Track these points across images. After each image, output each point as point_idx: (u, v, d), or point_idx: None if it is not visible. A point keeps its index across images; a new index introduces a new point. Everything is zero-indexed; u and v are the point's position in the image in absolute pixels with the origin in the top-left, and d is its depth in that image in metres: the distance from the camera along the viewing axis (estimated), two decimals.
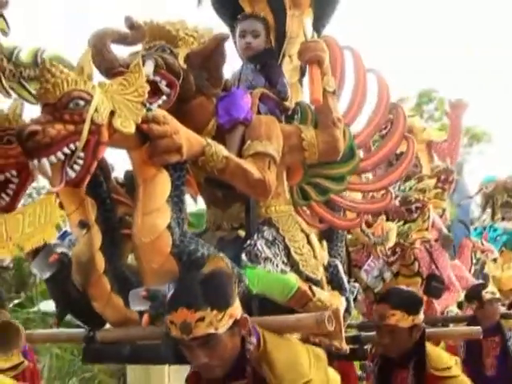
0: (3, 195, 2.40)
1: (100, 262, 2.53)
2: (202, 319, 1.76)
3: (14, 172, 2.38)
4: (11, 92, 2.34)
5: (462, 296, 5.10)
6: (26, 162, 2.42)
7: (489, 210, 7.29)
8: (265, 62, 3.14)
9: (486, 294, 4.18)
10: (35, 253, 2.49)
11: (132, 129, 2.25)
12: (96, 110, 2.15)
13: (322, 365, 1.98)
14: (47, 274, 2.50)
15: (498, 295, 4.35)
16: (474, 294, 4.09)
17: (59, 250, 2.51)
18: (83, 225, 2.55)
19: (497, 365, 4.28)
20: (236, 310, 1.85)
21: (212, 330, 1.77)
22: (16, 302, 10.24)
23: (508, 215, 7.02)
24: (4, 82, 2.23)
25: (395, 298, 2.78)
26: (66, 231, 2.74)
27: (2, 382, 1.52)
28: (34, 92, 2.50)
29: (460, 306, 5.41)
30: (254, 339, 1.91)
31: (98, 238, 2.53)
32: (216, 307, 1.79)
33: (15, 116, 2.46)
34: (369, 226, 4.17)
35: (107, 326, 2.66)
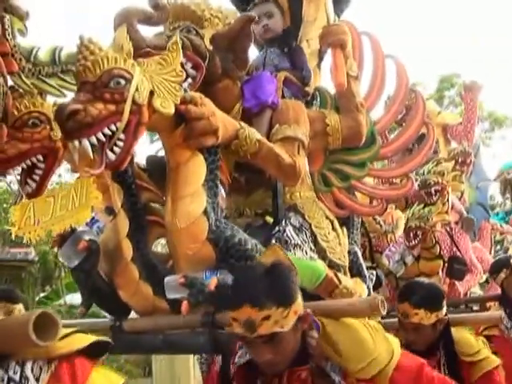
0: (29, 181, 2.34)
1: (127, 249, 2.44)
2: (267, 318, 1.68)
3: (39, 157, 2.32)
4: (33, 88, 2.30)
5: (483, 278, 5.15)
6: (51, 145, 2.35)
7: (508, 196, 7.36)
8: (288, 45, 3.11)
9: None
10: (62, 241, 2.39)
11: (171, 109, 2.18)
12: (137, 90, 2.07)
13: (382, 334, 1.95)
14: (75, 262, 2.39)
15: None
16: (502, 263, 4.07)
17: (87, 237, 2.41)
18: (110, 211, 2.47)
19: None
20: (299, 305, 1.78)
21: (278, 329, 1.70)
22: (42, 295, 10.11)
23: None
24: (24, 79, 2.20)
25: (416, 296, 2.74)
26: (94, 218, 2.64)
27: (108, 376, 1.51)
28: (55, 85, 2.45)
29: (482, 287, 5.48)
30: (315, 333, 1.86)
31: (124, 224, 2.44)
32: (282, 304, 1.69)
33: (40, 99, 2.38)
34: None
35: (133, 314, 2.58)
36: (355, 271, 3.05)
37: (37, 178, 2.31)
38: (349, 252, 3.07)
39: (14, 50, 2.13)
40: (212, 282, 2.18)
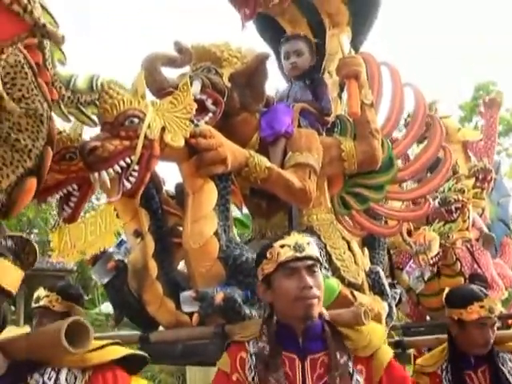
0: (65, 207, 2.66)
1: (153, 268, 2.75)
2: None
3: (75, 186, 2.65)
4: (70, 117, 2.57)
5: (505, 294, 5.14)
6: (86, 176, 2.69)
7: None
8: (311, 79, 3.37)
9: None
10: (95, 260, 2.76)
11: (181, 143, 2.50)
12: (149, 127, 2.40)
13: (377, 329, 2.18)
14: (105, 280, 2.75)
15: None
16: None
17: (116, 257, 2.76)
18: (137, 234, 2.80)
19: None
20: None
21: None
22: None
23: None
24: (63, 108, 2.45)
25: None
26: (122, 240, 2.99)
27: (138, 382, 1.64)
28: (91, 116, 2.77)
29: (504, 304, 5.45)
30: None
31: (151, 246, 2.77)
32: None
33: (75, 135, 2.74)
34: (410, 234, 4.31)
35: (160, 328, 2.89)
36: (377, 290, 3.23)
37: (72, 204, 2.60)
38: (371, 271, 3.27)
39: (54, 78, 2.26)
40: (219, 297, 2.46)
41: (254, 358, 2.02)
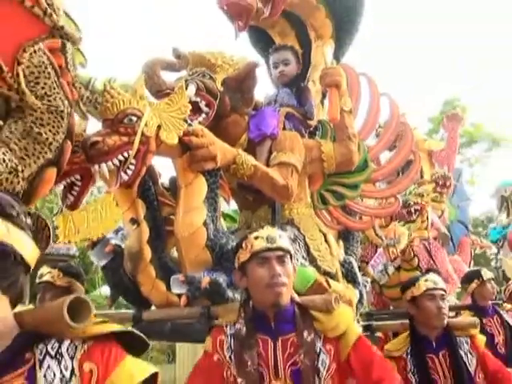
0: (69, 195, 2.68)
1: (147, 253, 2.77)
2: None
3: (77, 176, 2.67)
4: (88, 115, 2.60)
5: (459, 287, 5.25)
6: (88, 168, 2.72)
7: (505, 211, 7.41)
8: (297, 86, 3.40)
9: (486, 273, 4.30)
10: (94, 244, 2.78)
11: (175, 140, 2.52)
12: (146, 125, 2.42)
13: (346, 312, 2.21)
14: (103, 262, 2.77)
15: (492, 276, 4.44)
16: (474, 275, 4.23)
17: (113, 242, 2.79)
18: (134, 221, 2.82)
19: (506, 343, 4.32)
20: None
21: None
22: None
23: None
24: (82, 106, 2.48)
25: None
26: (119, 227, 3.01)
27: (141, 364, 1.61)
28: None
29: (459, 297, 5.57)
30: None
31: (146, 232, 2.78)
32: None
33: (79, 130, 2.75)
34: (382, 227, 4.38)
35: (152, 307, 2.92)
36: (350, 278, 3.26)
37: (75, 193, 2.62)
38: (345, 261, 3.30)
39: (75, 79, 2.27)
40: (205, 281, 2.49)
41: (231, 339, 2.05)
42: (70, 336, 1.51)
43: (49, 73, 1.99)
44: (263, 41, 3.62)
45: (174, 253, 2.97)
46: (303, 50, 3.51)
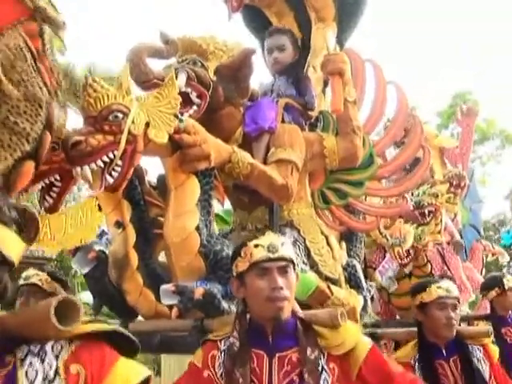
0: (47, 197, 2.58)
1: (134, 258, 2.70)
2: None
3: (57, 176, 2.57)
4: (67, 104, 2.49)
5: (473, 297, 5.20)
6: (68, 167, 2.61)
7: None
8: (295, 74, 3.29)
9: (508, 282, 4.23)
10: (76, 250, 2.68)
11: (165, 139, 2.41)
12: (133, 122, 2.31)
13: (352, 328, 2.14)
14: (86, 269, 2.69)
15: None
16: (495, 282, 4.15)
17: (97, 247, 2.70)
18: (119, 225, 2.73)
19: None
20: None
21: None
22: None
23: None
24: (60, 94, 2.37)
25: None
26: (103, 231, 2.92)
27: (135, 367, 1.58)
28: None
29: (471, 306, 5.52)
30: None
31: (132, 236, 2.71)
32: None
33: (59, 125, 2.65)
34: (386, 228, 4.29)
35: (139, 318, 2.84)
36: (353, 283, 3.21)
37: (54, 195, 2.53)
38: (348, 265, 3.24)
39: (53, 65, 2.13)
40: (198, 291, 2.41)
41: (223, 354, 2.00)
42: (56, 339, 1.48)
43: (25, 56, 1.91)
44: (259, 21, 3.51)
45: (163, 257, 2.88)
46: (303, 33, 3.38)
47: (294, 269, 2.06)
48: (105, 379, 1.46)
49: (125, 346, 1.61)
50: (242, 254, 2.04)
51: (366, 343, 2.06)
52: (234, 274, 2.08)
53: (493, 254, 6.71)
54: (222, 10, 3.26)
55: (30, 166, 1.94)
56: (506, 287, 4.11)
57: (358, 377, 1.98)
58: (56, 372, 1.45)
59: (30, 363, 1.45)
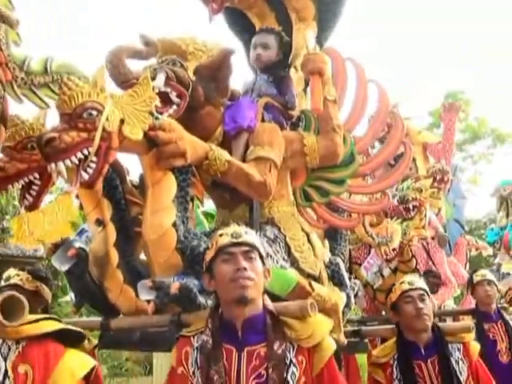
0: (27, 195, 2.64)
1: (114, 256, 2.73)
2: None
3: (36, 175, 2.62)
4: (23, 98, 2.51)
5: (458, 291, 5.21)
6: (46, 165, 2.65)
7: (504, 211, 7.36)
8: (276, 73, 3.32)
9: (476, 277, 4.26)
10: (55, 248, 2.72)
11: (140, 135, 2.45)
12: (107, 119, 2.35)
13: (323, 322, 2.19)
14: (66, 267, 2.71)
15: (488, 277, 4.34)
16: (468, 280, 4.25)
17: (77, 245, 2.73)
18: (99, 223, 2.76)
19: (509, 350, 4.27)
20: None
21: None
22: None
23: None
24: (16, 89, 2.38)
25: None
26: (83, 228, 2.96)
27: (81, 357, 1.58)
28: (44, 98, 2.69)
29: (456, 301, 5.55)
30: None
31: (112, 235, 2.74)
32: None
33: (38, 125, 2.70)
34: (372, 226, 4.30)
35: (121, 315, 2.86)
36: (336, 280, 3.22)
37: (33, 193, 2.58)
38: (331, 262, 3.26)
39: (8, 59, 2.25)
40: (174, 286, 2.44)
41: (196, 352, 2.02)
42: (2, 335, 1.55)
43: None
44: (240, 23, 3.54)
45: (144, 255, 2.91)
46: (285, 34, 3.41)
47: (261, 258, 2.09)
48: (52, 373, 1.53)
49: (73, 338, 1.64)
50: (210, 245, 2.12)
51: (331, 346, 2.09)
52: (205, 267, 2.12)
53: (476, 249, 6.76)
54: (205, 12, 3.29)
55: None
56: (475, 282, 4.17)
57: (317, 376, 2.01)
58: (5, 374, 1.50)
59: None
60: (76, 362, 1.62)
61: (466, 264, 6.05)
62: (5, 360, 1.54)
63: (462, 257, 6.00)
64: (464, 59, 31.40)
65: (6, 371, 1.50)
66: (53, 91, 2.75)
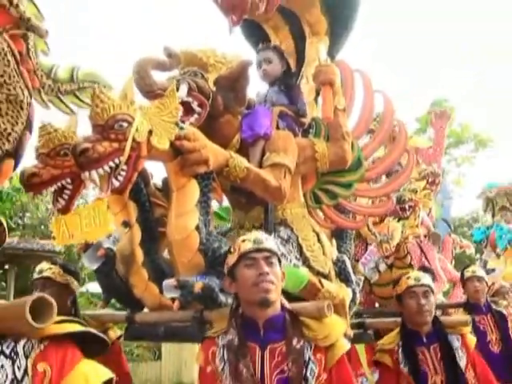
0: (60, 199, 2.68)
1: (139, 255, 2.80)
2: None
3: (68, 180, 2.66)
4: (50, 105, 2.54)
5: (446, 286, 5.33)
6: (78, 171, 2.69)
7: (489, 212, 7.51)
8: (286, 84, 3.37)
9: (467, 273, 4.35)
10: (86, 248, 2.78)
11: (166, 145, 2.50)
12: (137, 130, 2.40)
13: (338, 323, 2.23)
14: (95, 266, 2.78)
15: (478, 273, 4.43)
16: (460, 276, 4.34)
17: (106, 245, 2.78)
18: (126, 224, 2.82)
19: (500, 341, 4.37)
20: None
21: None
22: None
23: (506, 217, 7.24)
24: (43, 95, 2.41)
25: None
26: None
27: (96, 369, 1.56)
28: (69, 105, 2.72)
29: (445, 295, 5.67)
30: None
31: (137, 235, 2.80)
32: None
33: (70, 133, 2.74)
34: (375, 224, 4.37)
35: (145, 309, 2.93)
36: (343, 276, 3.28)
37: (66, 197, 2.62)
38: (338, 260, 3.31)
39: (36, 67, 2.26)
40: (197, 286, 2.49)
41: (222, 350, 2.06)
42: (29, 336, 1.50)
43: (8, 60, 1.96)
44: (257, 35, 3.58)
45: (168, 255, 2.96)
46: (297, 46, 3.46)
47: (280, 263, 2.13)
48: (66, 378, 1.48)
49: (96, 345, 1.64)
50: (232, 249, 2.14)
51: (344, 346, 2.12)
52: (226, 270, 2.15)
53: (460, 247, 6.88)
54: (221, 18, 3.32)
55: (10, 165, 2.00)
56: (465, 277, 4.25)
57: (328, 373, 2.04)
58: (25, 372, 1.47)
59: (2, 366, 1.48)
60: (92, 371, 1.56)
61: (451, 260, 6.17)
62: (26, 358, 1.50)
63: (448, 253, 6.15)
64: (464, 59, 31.29)
65: (26, 369, 1.48)
66: (78, 98, 2.78)
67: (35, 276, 3.03)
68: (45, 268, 3.05)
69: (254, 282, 2.03)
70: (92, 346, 1.63)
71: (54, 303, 1.54)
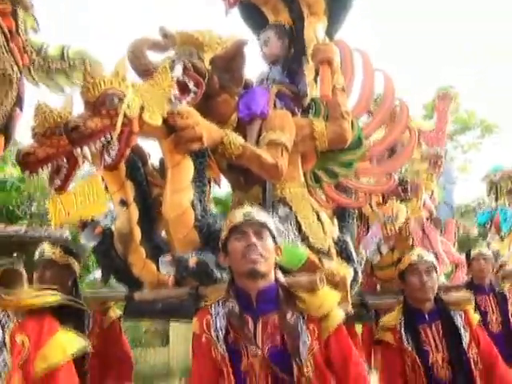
0: (56, 178, 2.59)
1: (137, 234, 2.70)
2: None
3: (64, 159, 2.56)
4: (39, 82, 2.44)
5: (448, 268, 5.14)
6: (73, 150, 2.60)
7: (493, 196, 7.26)
8: (288, 64, 3.24)
9: (473, 253, 4.19)
10: (84, 226, 2.68)
11: (159, 121, 2.39)
12: (128, 106, 2.30)
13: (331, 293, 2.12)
14: (92, 243, 2.68)
15: (485, 252, 4.28)
16: (466, 256, 4.18)
17: (103, 224, 2.69)
18: (123, 203, 2.72)
19: (500, 322, 4.23)
20: None
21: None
22: None
23: (510, 201, 7.00)
24: (33, 73, 2.32)
25: None
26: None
27: (72, 338, 1.55)
28: (59, 83, 2.63)
29: (447, 277, 5.47)
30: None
31: (135, 214, 2.70)
32: None
33: (66, 113, 2.64)
34: (379, 205, 4.20)
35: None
36: (344, 255, 3.14)
37: (62, 176, 2.54)
38: (339, 239, 3.17)
39: (26, 44, 2.18)
40: (192, 261, 2.38)
41: (217, 319, 1.99)
42: (3, 307, 1.48)
43: None
44: (255, 17, 3.45)
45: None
46: (297, 27, 3.32)
47: (273, 237, 2.03)
48: (43, 347, 1.46)
49: (73, 314, 1.61)
50: (224, 225, 2.07)
51: (339, 316, 2.03)
52: (220, 245, 2.07)
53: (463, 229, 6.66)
54: (220, 7, 3.21)
55: (0, 140, 1.92)
56: (471, 257, 4.09)
57: (325, 345, 1.95)
58: (3, 343, 1.44)
59: None
60: (68, 340, 1.53)
61: (454, 243, 5.96)
62: (2, 329, 1.47)
63: (450, 236, 5.92)
64: (467, 59, 30.79)
65: (4, 340, 1.45)
66: (69, 76, 2.69)
67: (36, 257, 2.95)
68: (46, 249, 2.96)
69: (242, 253, 1.95)
70: (69, 315, 1.60)
71: (23, 274, 1.49)
